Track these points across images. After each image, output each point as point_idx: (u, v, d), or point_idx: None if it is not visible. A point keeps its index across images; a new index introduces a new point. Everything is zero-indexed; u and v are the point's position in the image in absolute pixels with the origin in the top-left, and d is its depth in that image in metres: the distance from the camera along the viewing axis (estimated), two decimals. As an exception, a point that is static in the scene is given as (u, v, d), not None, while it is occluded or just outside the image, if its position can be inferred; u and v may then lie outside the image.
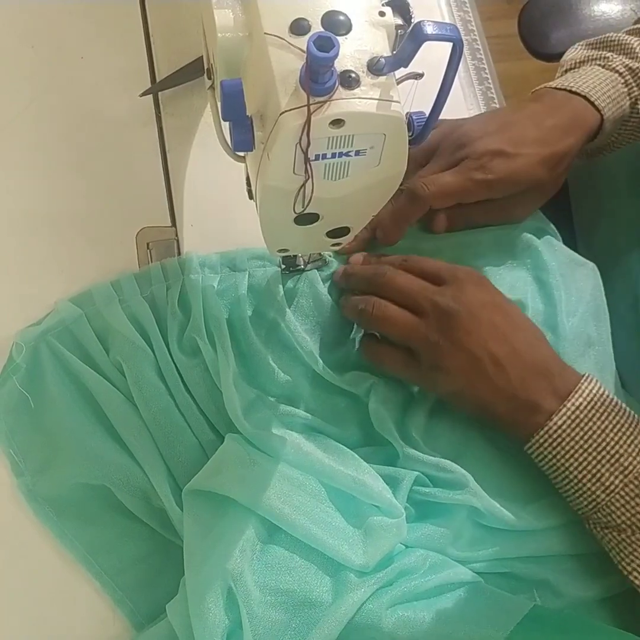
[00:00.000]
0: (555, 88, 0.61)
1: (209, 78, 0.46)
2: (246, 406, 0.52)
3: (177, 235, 0.60)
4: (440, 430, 0.55)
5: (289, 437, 0.51)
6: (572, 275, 0.62)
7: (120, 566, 0.52)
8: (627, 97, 0.61)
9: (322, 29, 0.37)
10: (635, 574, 0.48)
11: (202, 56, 0.48)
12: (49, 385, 0.53)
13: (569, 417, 0.49)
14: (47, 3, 0.65)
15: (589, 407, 0.50)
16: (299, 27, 0.37)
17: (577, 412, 0.49)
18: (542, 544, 0.52)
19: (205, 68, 0.47)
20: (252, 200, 0.46)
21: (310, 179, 0.39)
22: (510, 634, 0.45)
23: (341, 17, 0.37)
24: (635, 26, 0.65)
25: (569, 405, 0.50)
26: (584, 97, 0.59)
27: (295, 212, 0.42)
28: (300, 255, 0.56)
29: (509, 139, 0.58)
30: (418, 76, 0.43)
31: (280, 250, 0.52)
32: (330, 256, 0.58)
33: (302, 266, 0.57)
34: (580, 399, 0.50)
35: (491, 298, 0.53)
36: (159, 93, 0.63)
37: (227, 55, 0.40)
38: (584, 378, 0.51)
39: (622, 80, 0.61)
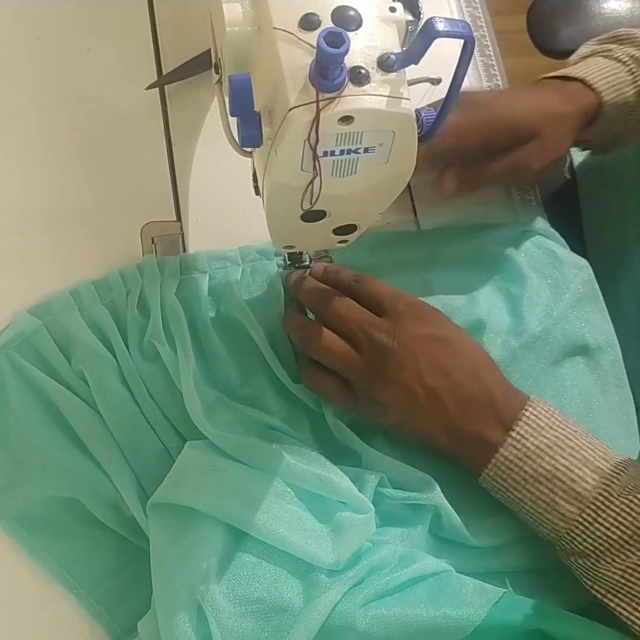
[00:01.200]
0: (551, 77, 0.62)
1: (217, 72, 0.46)
2: (207, 408, 0.51)
3: (182, 230, 0.59)
4: (396, 443, 0.54)
5: (251, 438, 0.50)
6: (559, 274, 0.61)
7: (95, 578, 0.51)
8: (632, 85, 0.60)
9: (332, 25, 0.36)
10: (609, 597, 0.47)
11: (208, 50, 0.48)
12: (11, 399, 0.52)
13: (515, 448, 0.48)
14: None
15: (536, 434, 0.48)
16: (308, 22, 0.36)
17: (524, 440, 0.48)
18: (500, 560, 0.51)
19: (213, 62, 0.46)
20: (259, 196, 0.46)
21: (318, 176, 0.39)
22: (486, 617, 0.44)
23: (351, 13, 0.37)
24: None
25: (514, 434, 0.48)
26: (581, 82, 0.59)
27: (302, 209, 0.42)
28: (305, 251, 0.56)
29: (509, 93, 0.60)
30: (435, 81, 0.43)
31: (286, 247, 0.52)
32: (329, 258, 0.58)
33: (308, 263, 0.56)
34: (526, 427, 0.48)
35: (431, 331, 0.52)
36: (165, 86, 0.63)
37: (235, 50, 0.40)
38: (529, 403, 0.50)
39: (626, 69, 0.60)
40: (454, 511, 0.50)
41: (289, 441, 0.52)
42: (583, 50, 0.65)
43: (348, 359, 0.51)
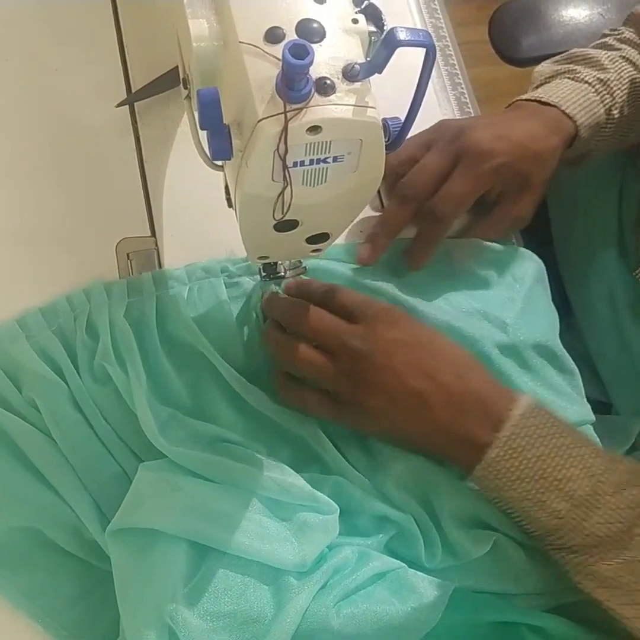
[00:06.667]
0: (527, 100, 0.62)
1: (185, 88, 0.47)
2: (162, 425, 0.51)
3: (157, 245, 0.60)
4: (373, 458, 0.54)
5: (207, 452, 0.50)
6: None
7: (61, 605, 0.50)
8: (601, 105, 0.62)
9: (296, 37, 0.37)
10: (599, 591, 0.47)
11: (177, 66, 0.49)
12: None
13: (504, 448, 0.48)
14: (21, 15, 0.65)
15: (522, 434, 0.48)
16: (273, 35, 0.37)
17: (512, 441, 0.48)
18: (455, 574, 0.51)
19: (181, 78, 0.47)
20: (232, 209, 0.47)
21: (289, 186, 0.39)
22: (446, 610, 0.46)
23: (315, 25, 0.38)
24: (599, 41, 0.67)
25: (502, 434, 0.48)
26: (555, 107, 0.60)
27: (274, 219, 0.42)
28: (280, 262, 0.57)
29: (501, 130, 0.59)
30: None
31: (260, 257, 0.52)
32: (304, 268, 0.58)
33: (283, 273, 0.57)
34: (514, 427, 0.48)
35: (405, 335, 0.52)
36: (135, 103, 0.63)
37: (202, 65, 0.40)
38: (516, 402, 0.49)
39: (593, 90, 0.62)
40: (421, 538, 0.50)
41: (245, 452, 0.51)
42: (543, 70, 0.66)
43: (326, 369, 0.51)
